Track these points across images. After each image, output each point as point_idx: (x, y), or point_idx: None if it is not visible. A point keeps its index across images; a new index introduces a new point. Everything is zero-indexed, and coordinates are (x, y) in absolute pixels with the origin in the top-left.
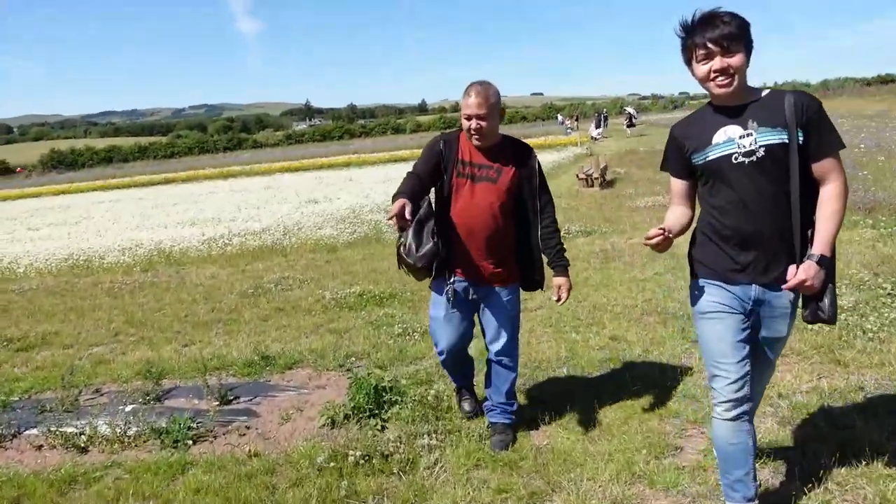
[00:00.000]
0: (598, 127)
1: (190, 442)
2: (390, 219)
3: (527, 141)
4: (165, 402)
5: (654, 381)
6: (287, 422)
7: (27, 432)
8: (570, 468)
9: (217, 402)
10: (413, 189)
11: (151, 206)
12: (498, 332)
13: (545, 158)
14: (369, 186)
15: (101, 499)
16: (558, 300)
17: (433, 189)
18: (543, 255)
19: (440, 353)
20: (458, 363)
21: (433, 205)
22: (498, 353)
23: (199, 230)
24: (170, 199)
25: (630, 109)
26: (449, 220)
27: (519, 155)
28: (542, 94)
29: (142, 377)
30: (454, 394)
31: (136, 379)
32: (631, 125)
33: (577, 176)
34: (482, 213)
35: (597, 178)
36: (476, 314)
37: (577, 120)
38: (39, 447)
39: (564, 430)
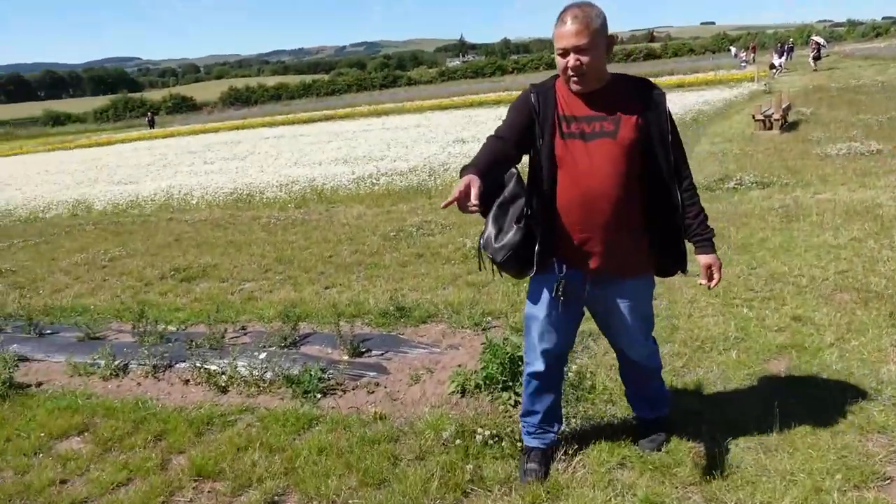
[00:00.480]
0: (780, 57)
1: (319, 395)
2: (447, 205)
3: (694, 76)
4: (301, 348)
5: (852, 382)
6: (416, 383)
7: (178, 365)
8: (738, 485)
9: (349, 354)
10: (493, 157)
11: (310, 143)
12: (627, 338)
13: (715, 95)
14: None
15: (232, 445)
16: (709, 283)
17: (526, 158)
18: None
19: (531, 367)
20: (552, 384)
21: (523, 180)
22: (630, 360)
23: (349, 168)
24: (326, 136)
25: (818, 38)
26: (553, 198)
27: (640, 95)
28: (713, 22)
29: (282, 319)
30: (520, 453)
31: (278, 319)
32: (818, 57)
33: (754, 117)
34: (604, 181)
35: (777, 120)
36: (590, 314)
37: (754, 51)
38: (186, 381)
39: (732, 434)
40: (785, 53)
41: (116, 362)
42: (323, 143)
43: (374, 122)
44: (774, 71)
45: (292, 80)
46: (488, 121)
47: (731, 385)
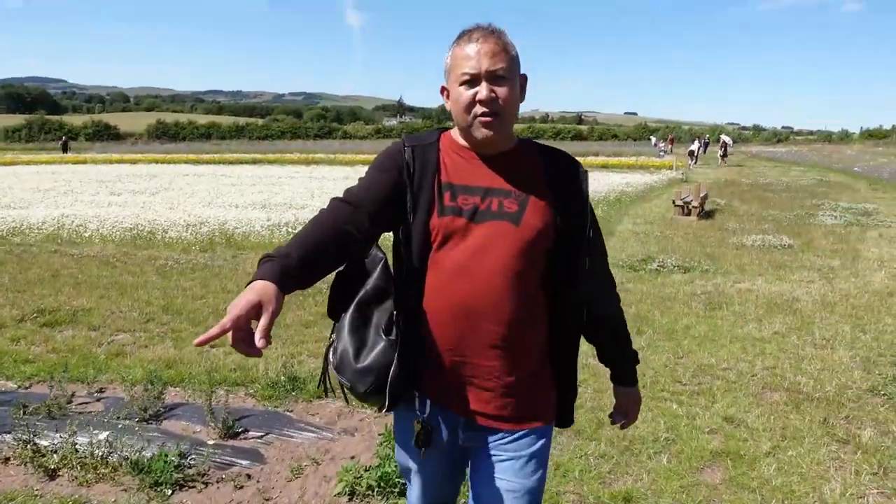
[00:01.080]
0: (699, 146)
1: (171, 489)
2: (201, 343)
3: (618, 160)
4: (164, 423)
5: (793, 502)
6: (297, 478)
7: (0, 437)
8: None
9: (219, 435)
10: (323, 240)
11: (230, 185)
12: None
13: (637, 179)
14: None
15: None
16: (623, 425)
17: (390, 238)
18: (597, 350)
19: None
20: None
21: (391, 269)
22: None
23: (266, 214)
24: (250, 179)
25: (726, 138)
26: (419, 301)
27: (558, 171)
28: (636, 113)
29: (147, 383)
30: None
31: (145, 382)
32: (725, 154)
33: (674, 202)
34: (493, 283)
35: (696, 207)
36: (469, 468)
37: (671, 143)
38: (7, 460)
39: None
40: (702, 146)
41: None
42: (244, 186)
43: (303, 170)
44: (692, 160)
45: (225, 120)
46: None
47: (663, 499)
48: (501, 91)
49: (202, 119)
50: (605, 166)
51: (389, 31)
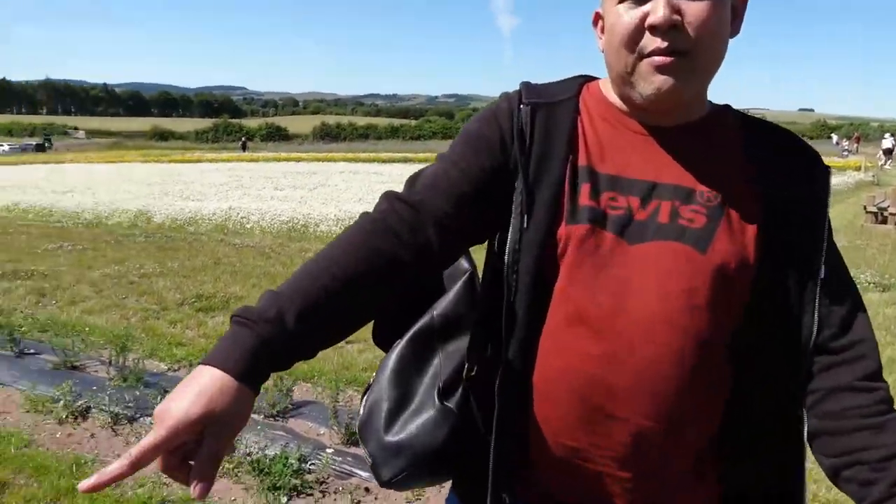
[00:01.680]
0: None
1: (287, 496)
2: (88, 490)
3: None
4: (289, 421)
5: None
6: (417, 500)
7: (143, 420)
8: None
9: (342, 439)
10: (355, 274)
11: (381, 182)
12: None
13: None
14: None
15: None
16: None
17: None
18: (842, 468)
19: None
20: None
21: (477, 289)
22: None
23: None
24: (400, 177)
25: None
26: (518, 354)
27: (780, 162)
28: (812, 110)
29: (280, 377)
30: None
31: (275, 378)
32: None
33: (865, 208)
34: (647, 346)
35: (893, 215)
36: None
37: (857, 142)
38: None
39: None
40: None
41: (78, 403)
42: (395, 184)
43: None
44: (888, 158)
45: (381, 121)
46: None
47: None
48: (695, 10)
49: (361, 121)
50: None
51: (537, 34)
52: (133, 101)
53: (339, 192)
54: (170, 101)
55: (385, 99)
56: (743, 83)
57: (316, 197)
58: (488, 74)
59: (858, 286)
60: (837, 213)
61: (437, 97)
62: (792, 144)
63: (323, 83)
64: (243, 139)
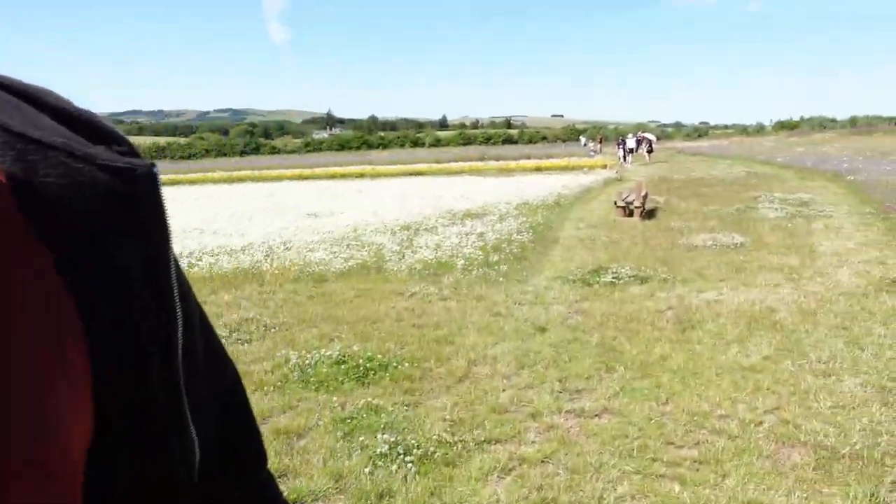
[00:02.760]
0: (637, 149)
1: None
2: None
3: (551, 163)
4: None
5: None
6: None
7: None
8: None
9: None
10: None
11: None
12: None
13: (572, 180)
14: (379, 201)
15: None
16: None
17: None
18: None
19: None
20: None
21: None
22: None
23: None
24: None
25: (649, 135)
26: None
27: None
28: (562, 115)
29: None
30: None
31: None
32: (650, 151)
33: (615, 203)
34: None
35: (638, 207)
36: None
37: (601, 142)
38: None
39: None
40: (644, 143)
41: None
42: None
43: (225, 188)
44: (628, 156)
45: (144, 140)
46: (347, 193)
47: None
48: None
49: None
50: (538, 169)
51: (313, 44)
52: None
53: None
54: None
55: (149, 115)
56: (503, 95)
57: None
58: (264, 87)
59: (621, 281)
60: (593, 209)
61: (208, 112)
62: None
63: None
64: None
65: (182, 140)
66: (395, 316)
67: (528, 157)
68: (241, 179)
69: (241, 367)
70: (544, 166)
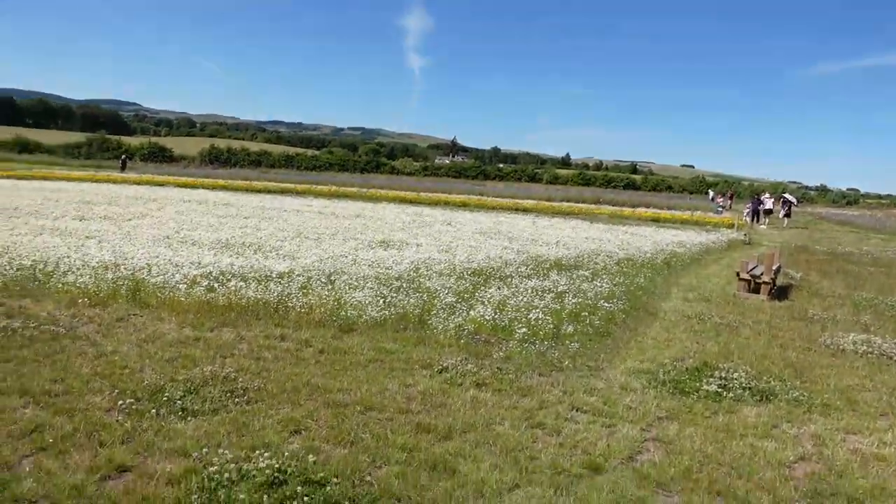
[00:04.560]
0: (779, 206)
1: None
2: None
3: (671, 214)
4: None
5: None
6: None
7: None
8: None
9: None
10: None
11: (220, 216)
12: None
13: (690, 237)
14: (460, 236)
15: None
16: None
17: None
18: None
19: None
20: None
21: None
22: None
23: (215, 257)
24: (254, 210)
25: (789, 197)
26: None
27: None
28: (692, 166)
29: None
30: None
31: None
32: (788, 215)
33: (738, 275)
34: None
35: (766, 283)
36: None
37: (731, 199)
38: None
39: None
40: (784, 204)
41: None
42: (235, 218)
43: (315, 203)
44: (764, 218)
45: (275, 148)
46: (435, 223)
47: None
48: None
49: (254, 146)
50: (655, 220)
51: (446, 75)
52: (4, 107)
53: (149, 229)
54: (48, 112)
55: (289, 126)
56: (634, 140)
57: (115, 232)
58: (396, 111)
59: (730, 392)
60: (712, 276)
61: (342, 129)
62: None
63: (224, 106)
64: (123, 157)
65: (309, 152)
66: (402, 405)
67: (648, 206)
68: (342, 195)
69: (143, 462)
70: (663, 217)
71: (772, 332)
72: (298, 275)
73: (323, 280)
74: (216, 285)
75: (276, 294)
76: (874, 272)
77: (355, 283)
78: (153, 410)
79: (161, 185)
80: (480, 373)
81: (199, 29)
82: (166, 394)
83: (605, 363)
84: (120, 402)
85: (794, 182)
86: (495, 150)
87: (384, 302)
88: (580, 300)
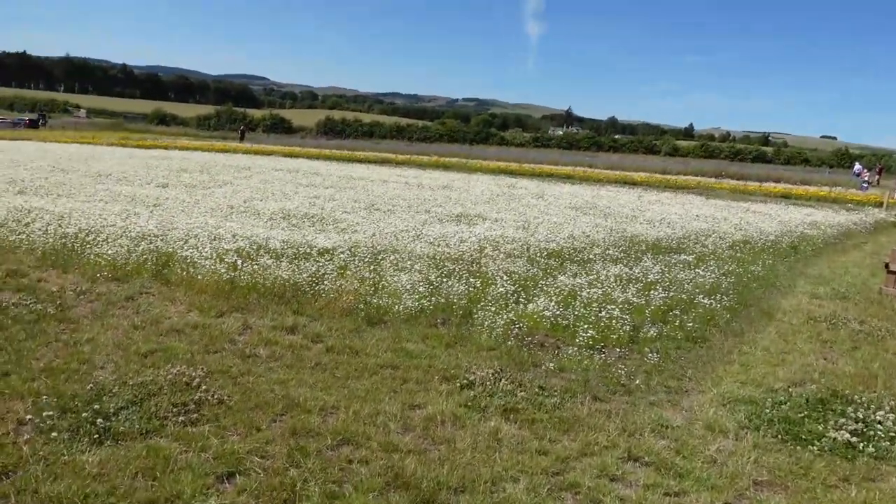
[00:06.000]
0: None
1: None
2: None
3: (805, 190)
4: None
5: None
6: None
7: None
8: None
9: None
10: None
11: (304, 185)
12: None
13: (826, 217)
14: (549, 210)
15: None
16: None
17: None
18: None
19: None
20: None
21: None
22: None
23: (262, 229)
24: (339, 180)
25: None
26: None
27: None
28: (835, 138)
29: None
30: None
31: None
32: None
33: (887, 266)
34: None
35: None
36: None
37: (880, 174)
38: None
39: None
40: None
41: None
42: (311, 187)
43: (413, 173)
44: None
45: (388, 119)
46: (526, 196)
47: None
48: None
49: (367, 118)
50: (785, 196)
51: (562, 43)
52: (150, 83)
53: (220, 200)
54: (187, 87)
55: (405, 98)
56: (767, 109)
57: (185, 200)
58: (511, 80)
59: (870, 440)
60: (848, 267)
61: (457, 100)
62: None
63: (345, 79)
64: (242, 128)
65: (420, 122)
66: (392, 438)
67: (778, 181)
68: (443, 165)
69: None
70: (795, 193)
71: None
72: (342, 252)
73: (367, 259)
74: (243, 262)
75: (307, 275)
76: None
77: (404, 265)
78: (67, 430)
79: (269, 153)
80: (516, 393)
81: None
82: (101, 405)
83: (691, 384)
84: (41, 413)
85: None
86: (612, 121)
87: (428, 288)
88: (673, 293)
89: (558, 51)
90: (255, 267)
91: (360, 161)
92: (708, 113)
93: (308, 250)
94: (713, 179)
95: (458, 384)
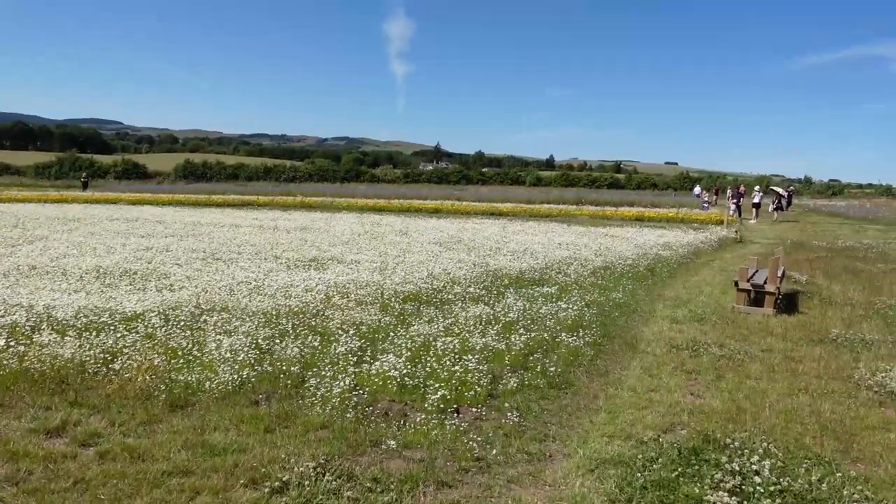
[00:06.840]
0: (774, 205)
1: None
2: None
3: (656, 212)
4: None
5: None
6: None
7: None
8: None
9: None
10: None
11: (139, 235)
12: None
13: (677, 237)
14: (411, 248)
15: None
16: None
17: None
18: None
19: None
20: None
21: None
22: None
23: (59, 294)
24: (183, 227)
25: (779, 189)
26: None
27: None
28: (676, 163)
29: None
30: None
31: None
32: (779, 208)
33: (737, 284)
34: None
35: (771, 294)
36: None
37: (717, 194)
38: None
39: None
40: (778, 199)
41: None
42: (146, 237)
43: (265, 216)
44: (755, 212)
45: (253, 161)
46: (389, 233)
47: None
48: None
49: (230, 160)
50: (639, 218)
51: (430, 81)
52: None
53: (65, 249)
54: (25, 133)
55: (273, 139)
56: (619, 139)
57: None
58: (380, 119)
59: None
60: (702, 286)
61: (327, 139)
62: None
63: (207, 121)
64: (85, 176)
65: (287, 162)
66: None
67: (632, 205)
68: (306, 206)
69: None
70: (647, 216)
71: (790, 367)
72: (154, 316)
73: (186, 323)
74: (11, 342)
75: (99, 350)
76: (887, 271)
77: (230, 326)
78: None
79: (114, 202)
80: (341, 492)
81: (182, 45)
82: None
83: (555, 445)
84: None
85: (778, 175)
86: (479, 155)
87: (253, 355)
88: (535, 333)
89: (426, 88)
90: (28, 347)
91: (217, 205)
92: (568, 144)
93: (109, 318)
94: (574, 207)
95: (268, 488)
